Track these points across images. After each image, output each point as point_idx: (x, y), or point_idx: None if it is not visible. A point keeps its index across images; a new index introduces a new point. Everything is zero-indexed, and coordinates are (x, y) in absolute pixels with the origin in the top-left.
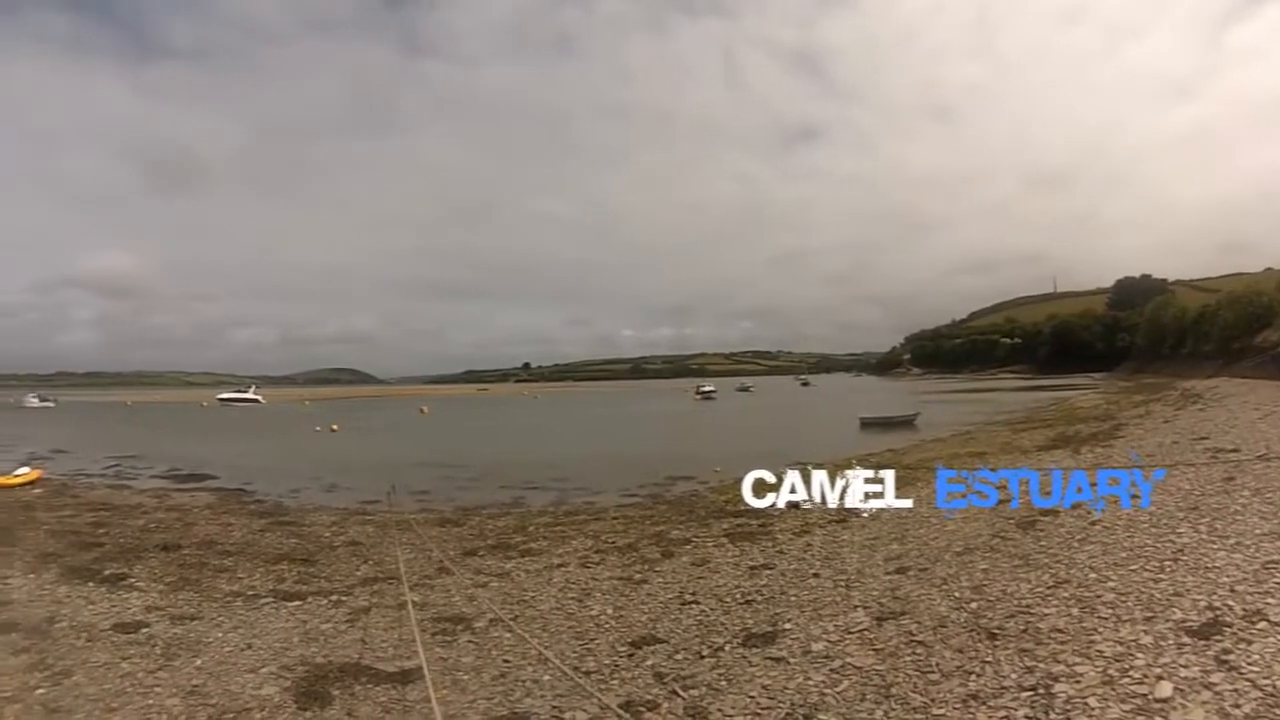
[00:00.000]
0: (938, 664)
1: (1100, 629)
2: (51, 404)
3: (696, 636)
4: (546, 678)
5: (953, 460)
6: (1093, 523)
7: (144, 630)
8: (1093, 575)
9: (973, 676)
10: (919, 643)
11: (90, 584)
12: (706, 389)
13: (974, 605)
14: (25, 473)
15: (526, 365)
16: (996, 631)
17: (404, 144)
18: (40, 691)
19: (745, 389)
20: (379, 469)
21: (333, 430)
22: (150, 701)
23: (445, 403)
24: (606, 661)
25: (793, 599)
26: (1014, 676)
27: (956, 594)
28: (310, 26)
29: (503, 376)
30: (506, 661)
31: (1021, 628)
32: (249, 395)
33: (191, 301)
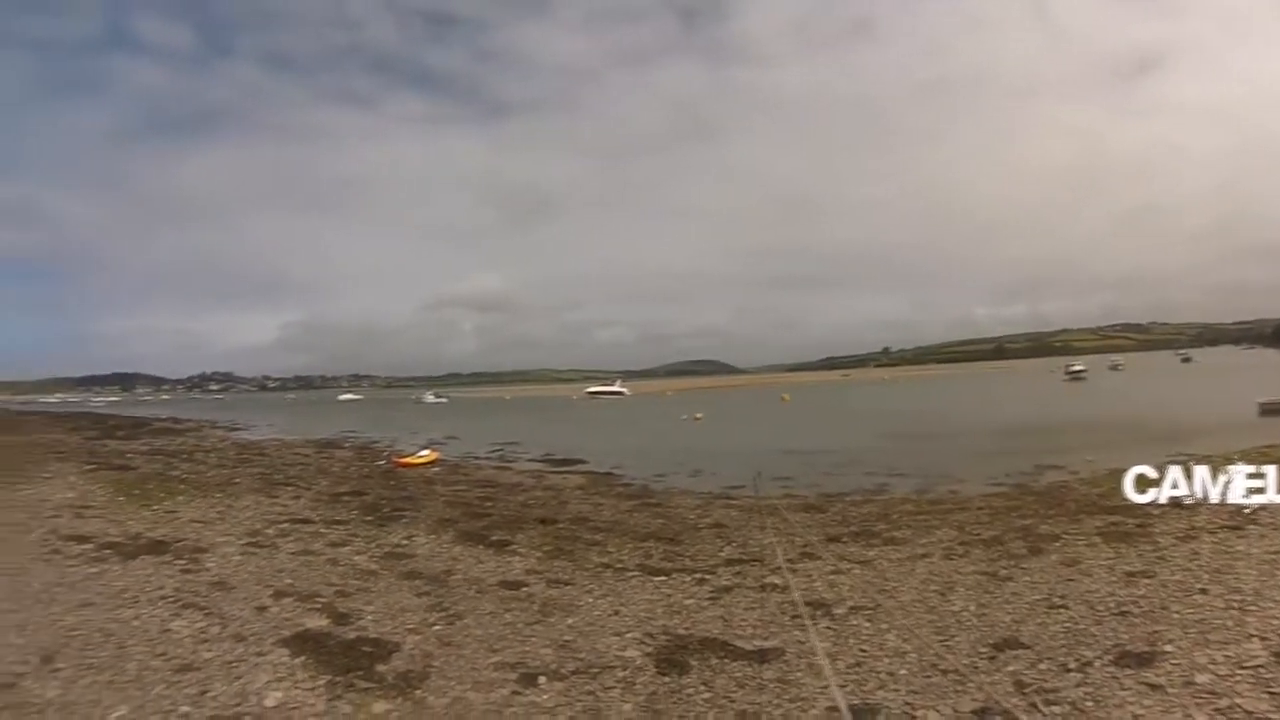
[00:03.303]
0: None
1: None
2: (445, 400)
3: (1063, 646)
4: (903, 671)
5: None
6: None
7: (524, 589)
8: None
9: None
10: None
11: (479, 547)
12: (1076, 368)
13: None
14: (426, 454)
15: (886, 350)
16: None
17: (726, 149)
18: (436, 628)
19: (1116, 367)
20: (741, 455)
21: (696, 419)
22: (527, 648)
23: (806, 390)
24: (965, 662)
25: (1175, 616)
26: None
27: None
28: (622, 60)
29: (861, 361)
30: (863, 650)
31: None
32: (614, 388)
33: (556, 310)
